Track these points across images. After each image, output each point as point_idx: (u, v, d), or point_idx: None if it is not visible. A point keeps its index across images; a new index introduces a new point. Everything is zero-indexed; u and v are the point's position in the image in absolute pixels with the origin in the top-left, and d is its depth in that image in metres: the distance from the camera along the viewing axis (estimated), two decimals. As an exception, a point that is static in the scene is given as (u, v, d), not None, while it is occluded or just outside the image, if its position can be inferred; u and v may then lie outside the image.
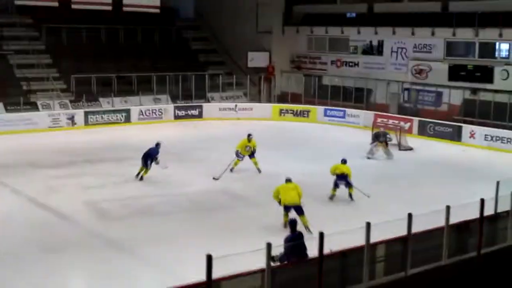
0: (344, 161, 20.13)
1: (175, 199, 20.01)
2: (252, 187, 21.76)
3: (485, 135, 29.65)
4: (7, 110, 31.97)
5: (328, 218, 17.93)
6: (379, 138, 27.53)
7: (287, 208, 16.74)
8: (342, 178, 19.94)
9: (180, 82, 37.42)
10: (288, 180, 17.36)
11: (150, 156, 22.36)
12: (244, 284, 10.34)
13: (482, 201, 13.32)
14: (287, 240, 12.08)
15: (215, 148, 28.45)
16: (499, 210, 14.57)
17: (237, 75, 40.21)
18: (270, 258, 10.03)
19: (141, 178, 22.30)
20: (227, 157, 26.37)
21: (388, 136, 27.71)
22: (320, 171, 24.12)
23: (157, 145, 22.85)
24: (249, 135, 23.63)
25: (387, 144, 27.46)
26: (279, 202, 17.00)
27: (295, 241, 11.94)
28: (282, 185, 17.29)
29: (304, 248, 11.82)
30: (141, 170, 22.35)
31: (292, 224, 12.43)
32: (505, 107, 30.18)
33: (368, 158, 27.17)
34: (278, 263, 11.48)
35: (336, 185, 20.13)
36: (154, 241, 16.13)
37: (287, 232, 12.32)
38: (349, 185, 19.91)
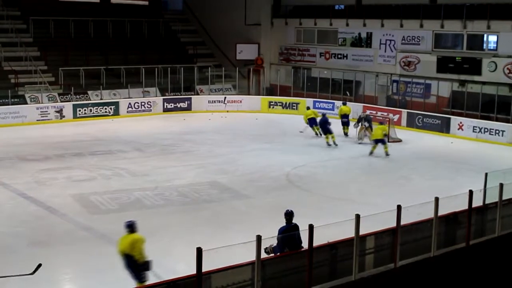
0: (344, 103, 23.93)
1: (164, 192, 19.98)
2: (241, 179, 21.76)
3: (474, 126, 29.79)
4: (-6, 103, 31.86)
5: (317, 209, 17.98)
6: (361, 121, 28.77)
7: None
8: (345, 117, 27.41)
9: (169, 74, 37.35)
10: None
11: (327, 122, 27.61)
12: (235, 277, 10.36)
13: (471, 192, 13.41)
14: (281, 231, 12.06)
15: (204, 140, 28.46)
16: (487, 202, 14.67)
17: (226, 67, 40.20)
18: (259, 250, 10.04)
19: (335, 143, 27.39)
20: (216, 149, 26.50)
21: (369, 120, 28.70)
22: (309, 163, 24.27)
23: (324, 115, 28.54)
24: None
25: (371, 129, 28.06)
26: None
27: (289, 232, 11.91)
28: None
29: (299, 239, 11.80)
30: (328, 137, 27.45)
31: (289, 215, 12.41)
32: (493, 98, 30.31)
33: (359, 143, 28.06)
34: (272, 255, 11.50)
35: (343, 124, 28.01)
36: (143, 234, 16.01)
37: (278, 224, 12.30)
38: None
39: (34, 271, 10.20)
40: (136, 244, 12.12)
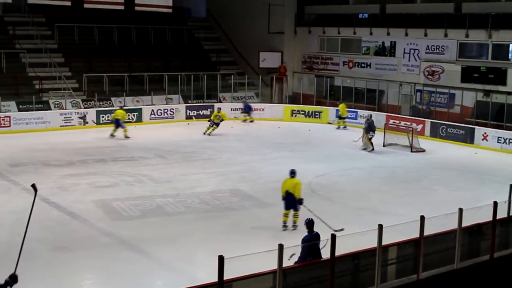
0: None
1: (186, 199, 19.98)
2: (263, 188, 21.70)
3: (498, 137, 29.48)
4: (19, 109, 32.10)
5: (340, 219, 17.89)
6: (365, 128, 28.82)
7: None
8: None
9: (192, 82, 37.43)
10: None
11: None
12: (256, 285, 10.32)
13: (495, 204, 13.24)
14: (305, 240, 12.02)
15: (226, 148, 28.48)
16: (512, 213, 14.51)
17: (248, 75, 40.18)
18: (281, 259, 9.99)
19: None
20: (238, 157, 26.49)
21: (370, 124, 28.59)
22: (331, 172, 24.18)
23: (371, 116, 29.58)
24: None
25: (369, 136, 28.42)
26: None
27: (311, 242, 11.86)
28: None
29: (319, 249, 11.75)
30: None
31: (309, 224, 12.35)
32: (518, 109, 30.05)
33: (363, 149, 28.46)
34: (293, 262, 11.45)
35: None
36: (165, 241, 16.13)
37: (300, 233, 12.25)
38: None
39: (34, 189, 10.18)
40: (296, 185, 16.81)
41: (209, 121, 32.34)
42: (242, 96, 38.56)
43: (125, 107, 33.06)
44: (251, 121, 36.29)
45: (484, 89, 31.82)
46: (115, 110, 31.67)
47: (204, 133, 31.78)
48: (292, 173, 17.13)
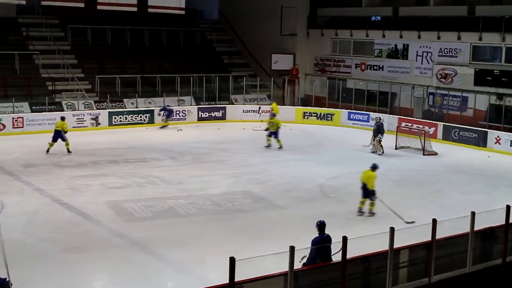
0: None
1: (197, 200, 20.00)
2: (274, 190, 21.70)
3: (511, 141, 29.32)
4: (32, 110, 32.22)
5: (351, 221, 17.87)
6: (374, 132, 28.69)
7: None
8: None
9: (204, 83, 37.49)
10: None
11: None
12: (267, 287, 10.31)
13: (508, 207, 13.19)
14: (315, 242, 11.99)
15: (238, 150, 28.49)
16: (525, 217, 14.40)
17: (261, 77, 40.17)
18: (293, 261, 9.98)
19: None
20: (250, 159, 26.50)
21: (379, 126, 28.50)
22: (343, 175, 24.13)
23: (380, 118, 29.61)
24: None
25: (380, 139, 28.37)
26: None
27: (323, 244, 11.83)
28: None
29: (330, 251, 11.72)
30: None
31: (321, 226, 12.33)
32: (532, 112, 29.91)
33: (372, 152, 28.32)
34: (303, 264, 11.42)
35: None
36: (176, 242, 16.15)
37: (312, 235, 12.21)
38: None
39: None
40: (369, 178, 18.54)
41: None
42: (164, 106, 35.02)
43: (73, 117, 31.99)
44: (165, 126, 34.10)
45: (497, 92, 31.66)
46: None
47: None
48: (371, 167, 18.83)
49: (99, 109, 33.91)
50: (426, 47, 35.25)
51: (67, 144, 26.55)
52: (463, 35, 33.49)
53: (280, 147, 28.68)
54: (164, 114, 34.43)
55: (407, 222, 15.37)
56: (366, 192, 18.65)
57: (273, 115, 30.81)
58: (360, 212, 18.76)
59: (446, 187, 22.91)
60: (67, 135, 26.66)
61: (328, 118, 36.93)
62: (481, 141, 30.40)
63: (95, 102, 34.46)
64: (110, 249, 15.61)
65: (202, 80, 37.47)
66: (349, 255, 10.77)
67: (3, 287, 9.99)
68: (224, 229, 17.38)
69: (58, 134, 26.53)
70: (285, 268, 10.09)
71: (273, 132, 29.05)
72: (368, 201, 18.69)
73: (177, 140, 30.54)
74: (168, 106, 34.79)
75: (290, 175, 23.84)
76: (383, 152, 28.00)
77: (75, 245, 15.80)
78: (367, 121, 34.85)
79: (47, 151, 26.23)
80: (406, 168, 25.86)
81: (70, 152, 26.43)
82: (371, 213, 18.64)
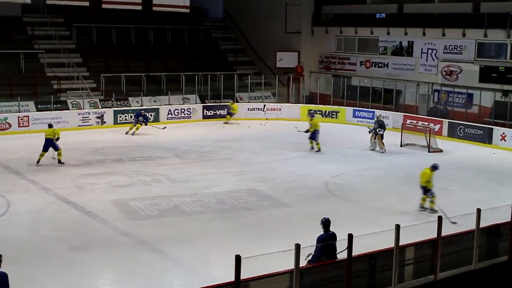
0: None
1: (203, 198, 20.02)
2: (279, 188, 21.70)
3: (517, 137, 29.30)
4: (38, 109, 32.29)
5: (357, 219, 17.85)
6: (375, 127, 28.41)
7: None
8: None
9: (209, 82, 37.52)
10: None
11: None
12: (273, 285, 10.31)
13: (514, 204, 13.17)
14: (320, 240, 11.98)
15: (243, 148, 28.50)
16: (531, 214, 14.37)
17: (265, 75, 40.19)
18: (298, 259, 9.98)
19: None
20: (255, 157, 26.50)
21: (378, 129, 28.11)
22: (348, 172, 24.13)
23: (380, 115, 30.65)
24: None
25: (382, 136, 28.02)
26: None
27: (328, 241, 11.81)
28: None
29: (335, 249, 11.70)
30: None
31: (325, 223, 12.30)
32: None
33: (372, 149, 28.20)
34: (308, 262, 11.41)
35: None
36: (182, 240, 16.17)
37: (317, 233, 12.19)
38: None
39: None
40: (423, 175, 18.98)
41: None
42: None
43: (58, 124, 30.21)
44: (136, 130, 31.64)
45: (503, 89, 31.59)
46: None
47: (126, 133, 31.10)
48: (431, 166, 19.14)
49: (104, 108, 33.97)
50: (431, 44, 35.19)
51: (59, 154, 24.27)
52: (468, 32, 33.42)
53: (318, 150, 27.84)
54: (140, 120, 31.54)
55: (452, 222, 15.18)
56: (423, 189, 18.97)
57: (313, 116, 29.83)
58: (422, 208, 19.03)
59: (452, 184, 22.84)
60: (59, 143, 24.40)
61: (333, 116, 36.91)
62: (486, 138, 30.34)
63: (100, 100, 34.51)
64: (115, 248, 15.63)
65: (207, 78, 37.50)
66: (354, 253, 10.77)
67: (2, 279, 10.00)
68: (229, 227, 17.39)
69: (50, 143, 24.20)
70: (290, 265, 10.09)
71: (312, 134, 28.16)
72: (428, 199, 18.93)
73: (182, 138, 30.55)
74: (144, 111, 32.52)
75: (295, 173, 23.84)
76: (384, 150, 27.92)
77: (80, 244, 15.83)
78: (372, 118, 34.78)
79: (38, 162, 24.09)
80: (411, 166, 25.74)
81: (62, 163, 24.15)
82: (432, 210, 18.57)
